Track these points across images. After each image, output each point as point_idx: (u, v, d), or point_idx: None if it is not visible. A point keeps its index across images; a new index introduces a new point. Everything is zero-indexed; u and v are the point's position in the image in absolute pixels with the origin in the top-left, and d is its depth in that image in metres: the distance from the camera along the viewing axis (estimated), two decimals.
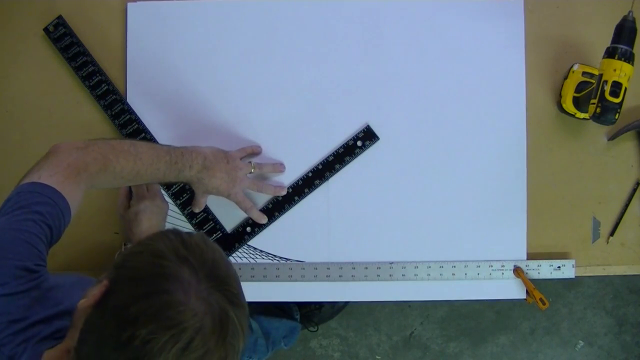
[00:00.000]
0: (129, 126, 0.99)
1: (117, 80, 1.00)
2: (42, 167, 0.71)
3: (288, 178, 0.99)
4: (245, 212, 0.95)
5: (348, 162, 0.99)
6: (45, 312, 0.65)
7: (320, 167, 0.99)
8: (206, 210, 0.98)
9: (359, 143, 0.99)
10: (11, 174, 1.02)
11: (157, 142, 0.99)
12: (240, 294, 0.60)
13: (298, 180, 0.99)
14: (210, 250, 0.61)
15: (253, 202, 0.96)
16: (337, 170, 0.99)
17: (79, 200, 0.72)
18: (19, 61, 1.02)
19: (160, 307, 0.54)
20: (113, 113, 0.99)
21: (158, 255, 0.57)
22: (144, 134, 0.99)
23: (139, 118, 0.99)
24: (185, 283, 0.55)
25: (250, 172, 0.95)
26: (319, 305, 1.58)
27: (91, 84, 0.99)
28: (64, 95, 1.01)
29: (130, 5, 1.01)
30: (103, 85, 0.99)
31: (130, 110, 0.99)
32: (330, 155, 0.99)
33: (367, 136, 0.99)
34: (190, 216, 0.99)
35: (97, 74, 0.99)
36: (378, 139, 0.99)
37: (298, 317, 1.51)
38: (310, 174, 0.99)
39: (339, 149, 0.99)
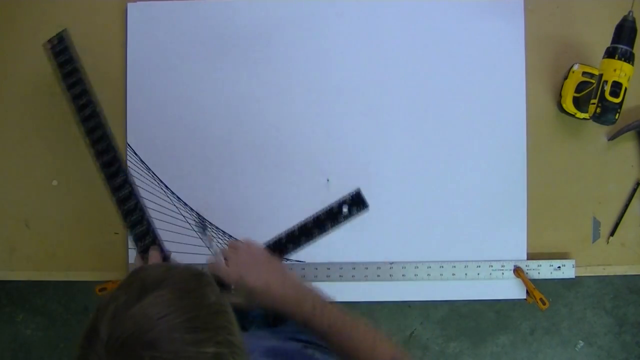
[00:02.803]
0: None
1: (117, 81, 1.00)
2: None
3: (288, 178, 0.99)
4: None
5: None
6: None
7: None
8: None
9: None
10: (11, 174, 1.02)
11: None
12: None
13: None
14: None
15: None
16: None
17: None
18: (19, 61, 1.02)
19: None
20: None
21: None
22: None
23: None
24: None
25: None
26: None
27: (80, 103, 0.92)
28: (64, 95, 1.01)
29: (130, 5, 1.01)
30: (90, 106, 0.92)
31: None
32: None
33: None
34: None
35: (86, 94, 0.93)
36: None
37: None
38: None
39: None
